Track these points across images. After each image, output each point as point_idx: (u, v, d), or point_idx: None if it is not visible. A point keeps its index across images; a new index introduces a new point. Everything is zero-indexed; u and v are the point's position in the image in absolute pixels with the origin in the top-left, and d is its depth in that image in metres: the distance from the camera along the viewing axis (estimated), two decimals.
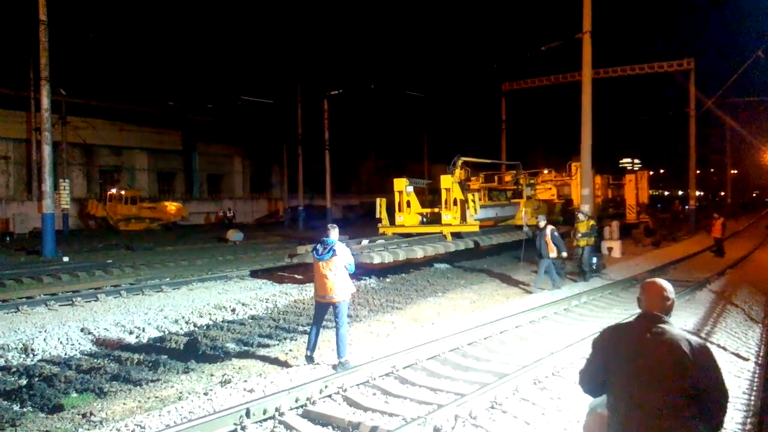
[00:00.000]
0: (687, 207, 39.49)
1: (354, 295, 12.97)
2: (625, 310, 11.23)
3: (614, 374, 2.95)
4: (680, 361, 2.79)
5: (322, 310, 7.79)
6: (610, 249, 20.84)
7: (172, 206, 40.84)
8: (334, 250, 7.44)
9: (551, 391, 6.53)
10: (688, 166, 34.94)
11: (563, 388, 6.62)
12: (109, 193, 39.24)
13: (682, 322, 10.17)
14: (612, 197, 30.46)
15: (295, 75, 44.03)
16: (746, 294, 13.23)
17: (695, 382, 2.77)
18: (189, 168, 52.44)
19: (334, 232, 7.64)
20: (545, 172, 27.21)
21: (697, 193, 45.40)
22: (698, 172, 43.40)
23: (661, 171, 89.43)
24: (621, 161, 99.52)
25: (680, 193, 79.49)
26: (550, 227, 13.51)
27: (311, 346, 7.73)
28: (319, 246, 7.62)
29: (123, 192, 39.07)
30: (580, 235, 15.29)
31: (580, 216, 15.59)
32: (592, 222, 15.62)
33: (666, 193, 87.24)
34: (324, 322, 8.10)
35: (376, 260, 14.23)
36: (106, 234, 33.86)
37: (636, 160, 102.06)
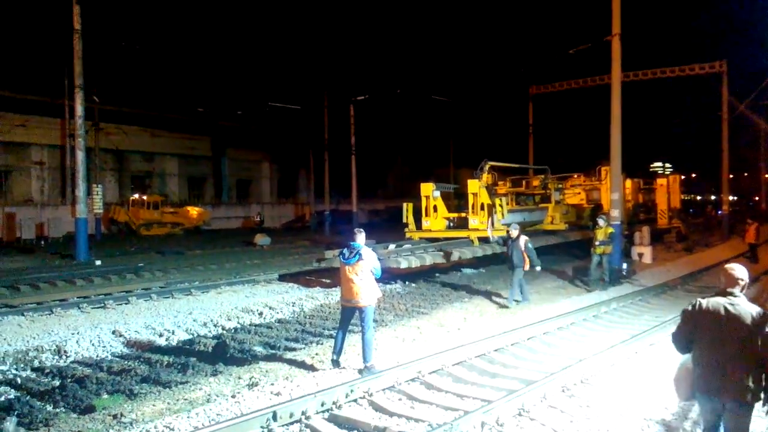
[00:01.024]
0: (720, 212, 38.63)
1: (380, 300, 13.00)
2: (656, 317, 11.01)
3: (699, 336, 4.08)
4: (748, 326, 3.90)
5: (349, 314, 7.81)
6: (640, 255, 20.48)
7: (193, 211, 41.20)
8: (360, 255, 7.46)
9: (580, 398, 6.44)
10: (720, 170, 34.20)
11: (592, 395, 6.52)
12: (131, 198, 39.62)
13: None
14: (643, 202, 29.88)
15: (322, 81, 44.36)
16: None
17: (759, 342, 3.87)
18: (218, 173, 53.14)
19: (360, 237, 7.69)
20: (574, 176, 26.84)
21: (730, 197, 44.37)
22: (731, 176, 42.42)
23: (693, 175, 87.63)
24: (652, 165, 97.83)
25: (713, 197, 77.86)
26: (524, 238, 12.69)
27: (337, 350, 7.76)
28: (345, 250, 7.63)
29: (145, 197, 39.42)
30: (597, 242, 14.94)
31: (600, 222, 15.21)
32: (610, 230, 15.25)
33: (698, 197, 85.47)
34: (350, 327, 8.12)
35: (404, 265, 14.21)
36: (137, 239, 34.39)
37: (667, 164, 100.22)
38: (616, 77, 16.71)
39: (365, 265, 7.48)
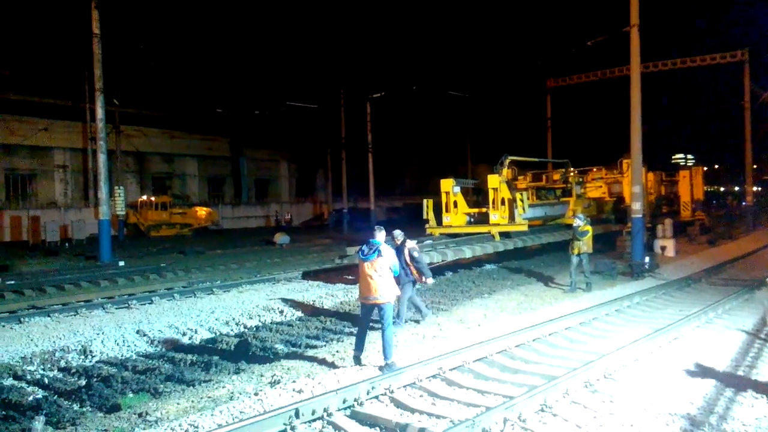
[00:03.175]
0: (744, 203, 37.98)
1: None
2: (680, 311, 10.85)
3: None
4: None
5: (368, 311, 7.83)
6: (663, 248, 20.22)
7: (202, 211, 41.33)
8: (379, 251, 7.47)
9: (603, 394, 6.38)
10: (744, 161, 33.63)
11: (615, 391, 6.45)
12: (139, 200, 39.82)
13: (740, 323, 9.79)
14: (665, 194, 29.51)
15: (339, 79, 44.43)
16: None
17: None
18: (237, 173, 53.57)
19: (380, 234, 7.75)
20: (595, 169, 26.59)
21: (755, 188, 43.60)
22: (755, 166, 41.68)
23: (716, 166, 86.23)
24: (674, 157, 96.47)
25: (736, 189, 76.46)
26: (410, 243, 10.41)
27: (358, 347, 7.80)
28: (365, 247, 7.65)
29: (153, 198, 39.59)
30: (576, 241, 13.74)
31: (577, 221, 13.98)
32: (587, 227, 13.83)
33: (722, 189, 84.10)
34: (371, 324, 8.14)
35: (425, 260, 14.16)
36: (146, 240, 34.51)
37: (690, 156, 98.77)
38: (635, 68, 16.49)
39: (384, 262, 7.50)
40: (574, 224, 14.07)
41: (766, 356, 7.90)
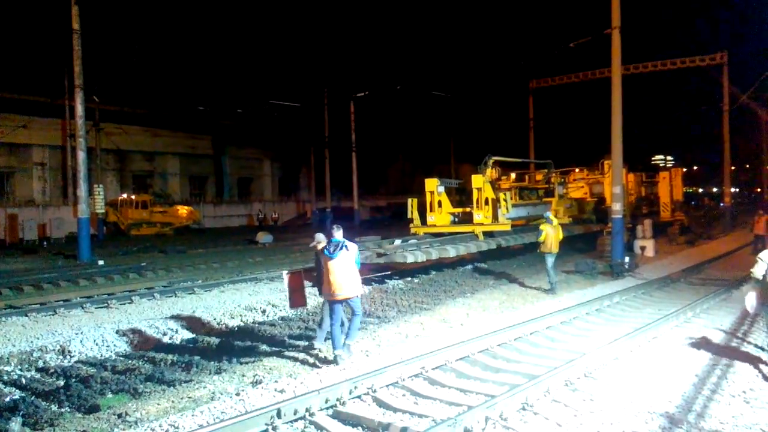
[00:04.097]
0: (722, 204, 38.58)
1: (382, 296, 13.02)
2: (659, 311, 11.00)
3: None
4: None
5: (338, 307, 8.05)
6: (643, 248, 20.47)
7: (183, 210, 40.87)
8: (345, 246, 7.88)
9: (583, 392, 6.44)
10: (722, 162, 34.14)
11: (596, 389, 6.52)
12: (119, 198, 39.20)
13: (718, 322, 9.95)
14: (645, 195, 29.89)
15: (322, 78, 44.37)
16: None
17: None
18: (220, 172, 53.16)
19: (338, 233, 8.07)
20: (577, 170, 26.84)
21: (732, 189, 44.29)
22: (733, 168, 42.36)
23: (695, 168, 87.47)
24: (654, 159, 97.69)
25: (714, 189, 77.60)
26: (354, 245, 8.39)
27: (337, 345, 7.84)
28: (329, 246, 7.92)
29: (133, 196, 39.00)
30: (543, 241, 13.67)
31: (545, 220, 13.95)
32: (546, 226, 13.72)
33: (700, 190, 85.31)
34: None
35: (410, 259, 14.23)
36: (125, 239, 34.04)
37: (669, 157, 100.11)
38: (616, 70, 16.67)
39: (350, 256, 7.89)
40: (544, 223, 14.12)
41: (742, 355, 8.03)
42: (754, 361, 7.70)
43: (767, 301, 7.23)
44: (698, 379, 6.91)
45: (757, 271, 7.23)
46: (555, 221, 14.10)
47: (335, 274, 7.80)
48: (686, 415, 5.82)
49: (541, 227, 13.92)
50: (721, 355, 7.93)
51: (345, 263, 7.82)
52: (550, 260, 13.64)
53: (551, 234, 13.70)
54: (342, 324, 8.11)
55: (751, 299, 7.35)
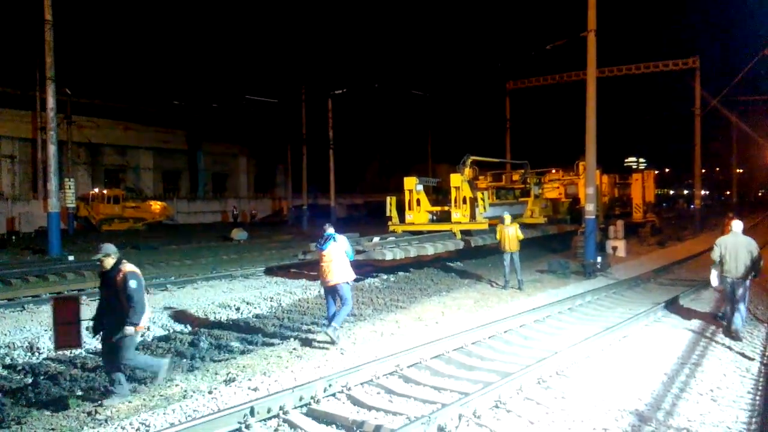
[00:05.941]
0: (692, 206, 39.34)
1: (357, 294, 13.01)
2: (629, 310, 11.18)
3: (725, 252, 9.11)
4: (749, 244, 9.06)
5: (330, 292, 8.99)
6: (614, 248, 20.77)
7: (156, 205, 40.35)
8: (333, 238, 8.84)
9: (555, 390, 6.52)
10: (693, 165, 34.82)
11: (567, 387, 6.60)
12: (91, 192, 38.46)
13: (687, 322, 10.15)
14: (618, 196, 30.36)
15: (300, 74, 44.29)
16: (752, 293, 13.14)
17: (754, 253, 8.93)
18: (194, 167, 52.56)
19: (330, 228, 9.08)
20: (552, 171, 27.15)
21: (703, 192, 45.20)
22: (703, 171, 43.20)
23: (667, 170, 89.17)
24: (627, 160, 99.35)
25: (686, 192, 79.19)
26: (128, 267, 6.69)
27: (331, 318, 8.86)
28: (320, 239, 8.98)
29: (105, 191, 38.30)
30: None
31: (504, 218, 14.15)
32: (500, 226, 14.06)
33: (671, 192, 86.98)
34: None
35: (389, 257, 14.27)
36: (97, 234, 33.37)
37: (641, 159, 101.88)
38: (591, 73, 16.87)
39: (339, 246, 8.84)
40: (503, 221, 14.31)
41: (710, 354, 8.21)
42: (722, 360, 7.87)
43: (724, 276, 9.18)
44: (667, 377, 7.04)
45: (715, 255, 9.28)
46: (508, 221, 14.22)
47: (325, 263, 8.81)
48: (655, 412, 5.92)
49: (497, 227, 14.31)
50: (690, 355, 8.10)
51: (333, 253, 8.78)
52: (506, 259, 13.96)
53: (506, 233, 13.96)
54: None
55: (714, 278, 9.43)
